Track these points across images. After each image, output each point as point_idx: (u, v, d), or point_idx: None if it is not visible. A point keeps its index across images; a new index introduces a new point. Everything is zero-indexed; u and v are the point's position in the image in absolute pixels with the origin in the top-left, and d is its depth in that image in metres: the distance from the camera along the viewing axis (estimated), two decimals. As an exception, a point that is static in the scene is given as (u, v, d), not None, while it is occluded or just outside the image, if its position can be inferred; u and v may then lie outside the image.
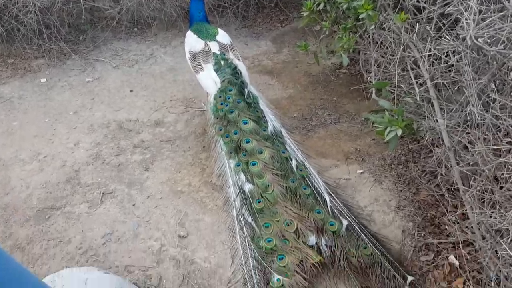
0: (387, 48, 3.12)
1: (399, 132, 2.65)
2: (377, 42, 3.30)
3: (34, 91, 4.48)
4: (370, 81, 3.35)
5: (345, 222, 2.73)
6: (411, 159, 3.34)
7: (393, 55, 2.98)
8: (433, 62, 2.64)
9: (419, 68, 2.69)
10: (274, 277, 2.50)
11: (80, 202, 3.22)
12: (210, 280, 2.71)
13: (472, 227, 2.43)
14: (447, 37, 2.36)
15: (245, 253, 2.67)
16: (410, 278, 2.50)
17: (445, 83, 2.61)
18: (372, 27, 3.08)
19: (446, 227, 2.86)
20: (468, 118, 2.28)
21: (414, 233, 2.86)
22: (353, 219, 2.78)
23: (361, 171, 3.33)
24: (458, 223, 2.69)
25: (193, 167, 3.47)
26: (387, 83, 2.90)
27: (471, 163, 2.28)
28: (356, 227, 2.72)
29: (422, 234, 2.85)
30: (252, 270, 2.58)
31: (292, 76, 4.58)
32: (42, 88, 4.53)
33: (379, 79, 3.19)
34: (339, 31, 3.55)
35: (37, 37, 4.91)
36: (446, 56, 2.49)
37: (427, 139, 2.66)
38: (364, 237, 2.68)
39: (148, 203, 3.18)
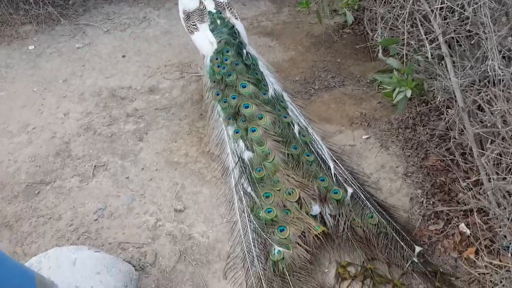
0: (394, 2, 2.87)
1: (409, 93, 2.47)
2: (383, -3, 3.05)
3: (22, 59, 4.27)
4: (376, 40, 3.13)
5: (350, 190, 2.57)
6: (419, 123, 3.15)
7: (401, 10, 2.74)
8: (445, 15, 2.41)
9: (429, 23, 2.46)
10: (274, 249, 2.36)
11: (71, 176, 3.08)
12: (208, 256, 2.57)
13: (487, 194, 2.26)
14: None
15: (244, 225, 2.53)
16: (418, 249, 2.35)
17: (459, 38, 2.38)
18: (379, -21, 2.83)
19: (457, 193, 2.69)
20: (486, 74, 2.07)
21: (422, 201, 2.71)
22: (359, 187, 2.62)
23: (367, 136, 3.16)
24: (470, 189, 2.52)
25: (190, 136, 3.30)
26: (395, 39, 2.67)
27: (488, 124, 2.08)
28: (362, 195, 2.57)
29: (431, 202, 2.69)
30: (252, 243, 2.45)
31: (293, 37, 4.33)
32: (30, 56, 4.31)
33: (385, 37, 2.96)
34: (342, -14, 3.30)
35: (24, 1, 4.66)
36: (461, 8, 2.26)
37: (439, 100, 2.46)
38: (370, 206, 2.52)
39: (142, 176, 3.03)
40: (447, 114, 2.61)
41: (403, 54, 2.67)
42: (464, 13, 2.21)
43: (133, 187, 2.96)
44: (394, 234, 2.41)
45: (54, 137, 3.38)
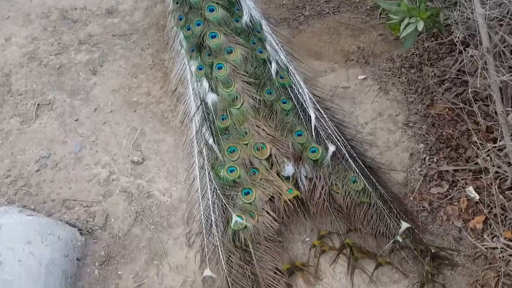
0: None
1: (420, 26, 2.03)
2: None
3: (-41, -29, 3.64)
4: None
5: (331, 148, 2.16)
6: (426, 61, 2.68)
7: None
8: None
9: None
10: (234, 217, 2.01)
11: (10, 116, 2.72)
12: (170, 218, 2.28)
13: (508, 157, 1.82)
14: None
15: (204, 184, 2.18)
16: (405, 225, 1.98)
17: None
18: None
19: (466, 150, 2.30)
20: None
21: (424, 158, 2.35)
22: (344, 144, 2.20)
23: (363, 76, 2.72)
24: (481, 146, 2.07)
25: (153, 70, 2.87)
26: (405, -45, 2.11)
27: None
28: (346, 154, 2.16)
29: (435, 160, 2.33)
30: (211, 207, 2.09)
31: None
32: (-30, -32, 3.67)
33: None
34: None
35: None
36: None
37: (457, 37, 1.94)
38: (355, 167, 2.13)
39: (95, 118, 2.68)
40: (464, 53, 2.08)
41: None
42: None
43: (83, 132, 2.62)
44: (381, 204, 2.04)
45: (-8, 67, 2.94)
